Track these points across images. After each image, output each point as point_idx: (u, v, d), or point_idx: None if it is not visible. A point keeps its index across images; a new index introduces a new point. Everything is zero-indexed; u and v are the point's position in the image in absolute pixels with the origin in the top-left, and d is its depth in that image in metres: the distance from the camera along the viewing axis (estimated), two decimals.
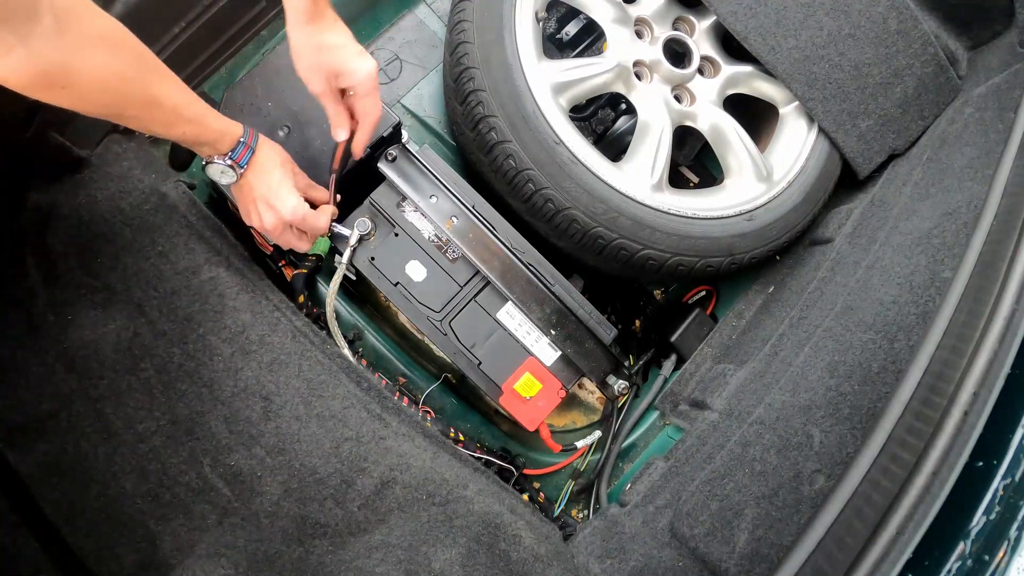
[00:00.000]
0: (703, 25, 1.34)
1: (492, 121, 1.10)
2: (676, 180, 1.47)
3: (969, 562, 0.61)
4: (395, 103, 1.38)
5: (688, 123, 1.27)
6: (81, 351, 0.93)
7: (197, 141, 0.85)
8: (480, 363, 1.10)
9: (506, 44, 1.12)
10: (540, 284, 1.11)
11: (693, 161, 1.49)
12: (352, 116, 0.97)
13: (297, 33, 0.87)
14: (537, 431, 1.12)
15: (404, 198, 1.11)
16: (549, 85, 1.13)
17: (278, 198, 0.91)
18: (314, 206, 0.99)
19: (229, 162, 0.87)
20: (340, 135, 0.97)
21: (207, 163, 0.89)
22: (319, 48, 0.88)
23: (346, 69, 0.89)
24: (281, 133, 1.09)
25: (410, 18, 1.42)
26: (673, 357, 1.32)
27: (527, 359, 1.11)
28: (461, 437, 1.15)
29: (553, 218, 1.12)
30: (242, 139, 0.88)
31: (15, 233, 0.97)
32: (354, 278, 1.12)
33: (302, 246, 0.99)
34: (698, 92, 1.28)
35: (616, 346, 1.17)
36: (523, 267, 1.11)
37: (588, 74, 1.18)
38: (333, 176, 1.03)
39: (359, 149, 1.01)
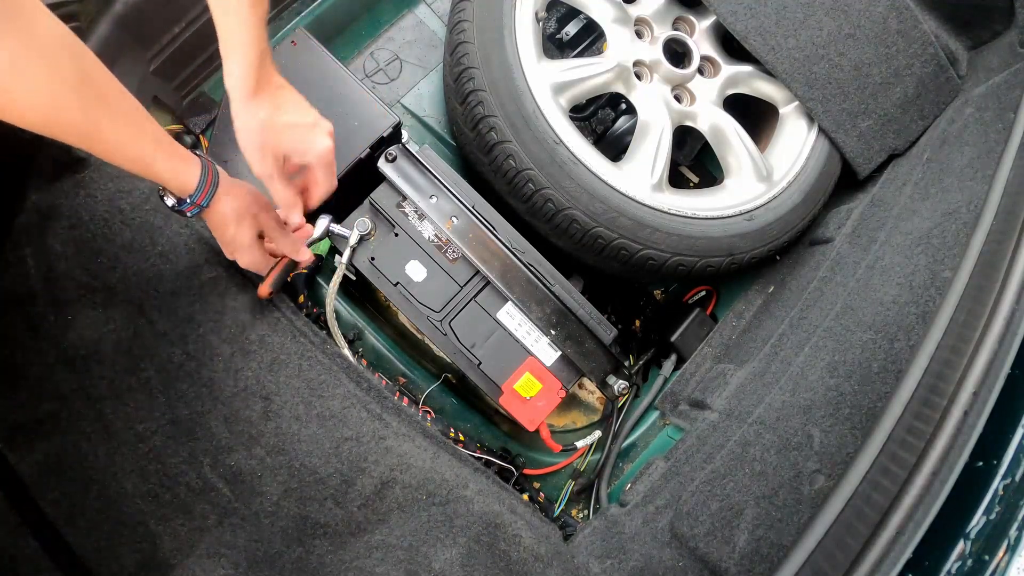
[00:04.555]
0: (703, 25, 1.34)
1: (492, 121, 1.10)
2: (676, 180, 1.47)
3: (969, 562, 0.61)
4: (395, 103, 1.38)
5: (688, 123, 1.27)
6: (81, 351, 0.93)
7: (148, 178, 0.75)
8: (480, 363, 1.10)
9: (506, 44, 1.12)
10: (540, 284, 1.11)
11: (693, 161, 1.49)
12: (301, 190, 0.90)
13: (241, 111, 0.77)
14: (537, 431, 1.12)
15: (404, 198, 1.11)
16: (549, 85, 1.13)
17: (235, 252, 0.88)
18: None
19: (178, 210, 0.79)
20: (294, 218, 0.91)
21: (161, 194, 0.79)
22: (266, 128, 0.78)
23: (299, 149, 0.82)
24: None
25: (410, 18, 1.43)
26: (673, 357, 1.32)
27: (527, 359, 1.11)
28: (461, 437, 1.15)
29: (553, 218, 1.12)
30: (190, 197, 0.77)
31: (15, 233, 0.97)
32: (354, 278, 1.12)
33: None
34: (698, 92, 1.28)
35: (616, 346, 1.17)
36: (523, 267, 1.11)
37: (588, 74, 1.19)
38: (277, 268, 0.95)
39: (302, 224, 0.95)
